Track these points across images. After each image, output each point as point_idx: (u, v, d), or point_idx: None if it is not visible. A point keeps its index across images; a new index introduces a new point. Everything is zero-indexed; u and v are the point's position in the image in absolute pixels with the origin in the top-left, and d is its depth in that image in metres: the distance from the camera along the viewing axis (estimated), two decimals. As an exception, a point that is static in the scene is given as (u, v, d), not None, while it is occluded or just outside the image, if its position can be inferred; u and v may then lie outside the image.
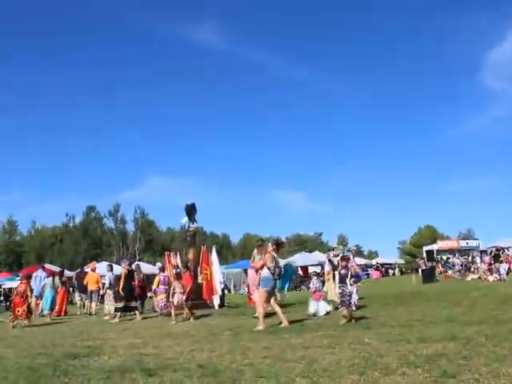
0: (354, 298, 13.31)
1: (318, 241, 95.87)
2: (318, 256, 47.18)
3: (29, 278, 19.14)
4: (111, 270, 21.00)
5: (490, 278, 29.39)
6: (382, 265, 62.88)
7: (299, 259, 44.45)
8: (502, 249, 40.33)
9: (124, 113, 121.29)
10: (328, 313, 13.73)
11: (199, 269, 20.20)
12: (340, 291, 12.01)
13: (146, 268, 30.45)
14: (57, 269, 30.37)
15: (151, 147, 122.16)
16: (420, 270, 37.26)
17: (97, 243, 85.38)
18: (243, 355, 7.65)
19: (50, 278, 21.53)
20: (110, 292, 19.42)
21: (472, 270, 36.81)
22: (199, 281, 19.81)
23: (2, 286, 30.74)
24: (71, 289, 28.02)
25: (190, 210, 21.56)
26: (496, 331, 8.75)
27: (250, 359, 7.28)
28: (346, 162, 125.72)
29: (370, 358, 6.92)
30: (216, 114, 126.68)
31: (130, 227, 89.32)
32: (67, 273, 33.14)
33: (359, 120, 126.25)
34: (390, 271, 61.45)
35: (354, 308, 12.23)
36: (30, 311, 16.76)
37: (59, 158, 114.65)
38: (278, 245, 12.90)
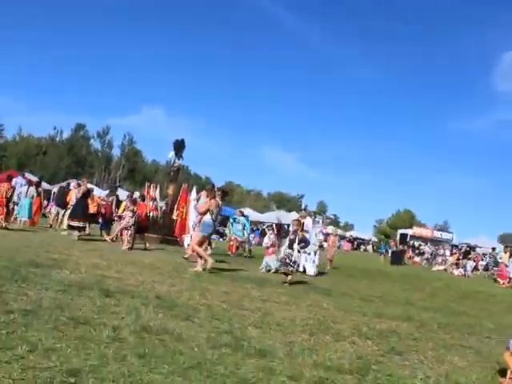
0: (303, 263, 13.68)
1: (299, 202, 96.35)
2: (295, 216, 47.48)
3: (10, 179, 19.04)
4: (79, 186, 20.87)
5: (455, 272, 29.89)
6: (356, 239, 63.68)
7: (276, 216, 44.56)
8: (473, 247, 40.98)
9: (137, 40, 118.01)
10: (277, 270, 13.57)
11: (176, 205, 20.17)
12: (285, 255, 11.84)
13: (123, 195, 30.34)
14: (35, 179, 30.15)
15: (155, 78, 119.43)
16: (390, 251, 37.74)
17: (80, 162, 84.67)
18: (202, 295, 7.71)
19: (26, 186, 21.36)
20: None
21: (440, 261, 37.41)
22: (174, 217, 19.83)
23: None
24: (46, 201, 27.93)
25: (179, 146, 21.41)
26: (449, 321, 8.97)
27: (207, 300, 7.36)
28: (341, 132, 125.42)
29: (324, 322, 7.04)
30: (227, 59, 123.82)
31: (116, 153, 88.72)
32: (45, 185, 32.95)
33: (365, 93, 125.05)
34: (363, 246, 62.32)
35: (295, 271, 11.84)
36: (8, 212, 16.76)
37: (61, 71, 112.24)
38: (224, 193, 13.13)
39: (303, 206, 18.68)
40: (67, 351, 3.95)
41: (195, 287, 8.55)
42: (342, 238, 60.01)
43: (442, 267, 33.96)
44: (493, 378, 5.18)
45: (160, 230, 19.71)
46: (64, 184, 28.48)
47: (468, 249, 38.61)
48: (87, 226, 17.78)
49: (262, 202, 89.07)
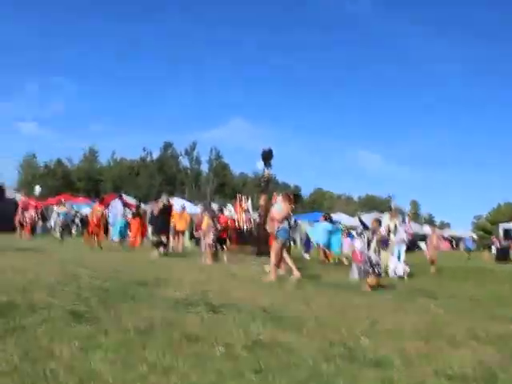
0: (383, 264, 13.15)
1: (390, 203, 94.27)
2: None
3: (103, 201, 20.10)
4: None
5: None
6: (449, 237, 61.09)
7: (370, 218, 43.77)
8: None
9: (217, 52, 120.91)
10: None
11: (269, 216, 20.26)
12: (365, 260, 11.26)
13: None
14: (132, 200, 31.43)
15: (241, 88, 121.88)
16: (494, 248, 35.90)
17: (171, 180, 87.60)
18: (307, 305, 7.66)
19: (122, 208, 22.34)
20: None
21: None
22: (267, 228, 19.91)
23: (80, 211, 32.19)
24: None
25: (267, 155, 21.49)
26: None
27: (312, 310, 7.28)
28: (430, 125, 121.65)
29: (435, 326, 6.75)
30: (312, 66, 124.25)
31: (204, 168, 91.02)
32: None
33: (442, 83, 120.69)
34: (462, 245, 59.71)
35: (378, 274, 11.13)
36: (105, 232, 17.70)
37: (141, 90, 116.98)
38: (296, 197, 12.92)
39: (392, 205, 18.03)
40: (184, 368, 4.01)
41: (298, 298, 8.49)
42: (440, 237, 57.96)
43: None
44: None
45: (255, 242, 19.86)
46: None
47: None
48: (169, 242, 17.95)
49: (353, 206, 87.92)
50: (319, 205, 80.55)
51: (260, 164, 21.99)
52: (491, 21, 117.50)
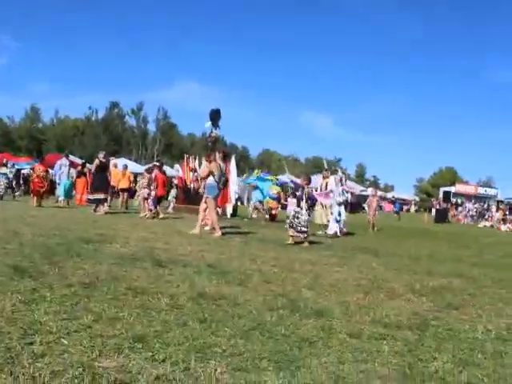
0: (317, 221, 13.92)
1: (337, 166, 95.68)
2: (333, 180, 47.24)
3: (43, 161, 19.72)
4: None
5: (503, 228, 29.34)
6: (396, 199, 62.77)
7: (314, 180, 44.25)
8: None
9: (166, 14, 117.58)
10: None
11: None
12: (293, 213, 11.59)
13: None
14: (78, 160, 30.80)
15: (188, 50, 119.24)
16: (434, 210, 37.27)
17: (117, 140, 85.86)
18: (252, 261, 7.80)
19: (67, 168, 21.89)
20: None
21: (486, 217, 36.74)
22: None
23: (22, 171, 31.20)
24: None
25: (215, 115, 21.17)
26: (503, 276, 8.81)
27: (258, 265, 7.43)
28: (379, 91, 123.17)
29: (376, 280, 7.03)
30: (261, 28, 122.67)
31: (152, 128, 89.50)
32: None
33: (400, 50, 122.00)
34: (405, 207, 61.62)
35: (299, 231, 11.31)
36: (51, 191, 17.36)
37: (87, 52, 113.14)
38: (225, 154, 13.06)
39: (326, 166, 18.11)
40: (130, 319, 4.04)
41: (244, 254, 8.62)
42: (383, 199, 59.50)
43: (488, 223, 33.40)
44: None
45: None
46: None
47: (515, 203, 37.70)
48: (108, 198, 17.79)
49: (300, 167, 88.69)
50: (267, 166, 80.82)
51: (208, 124, 21.77)
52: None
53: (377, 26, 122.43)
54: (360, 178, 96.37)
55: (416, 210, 58.85)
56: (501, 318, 5.40)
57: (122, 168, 21.26)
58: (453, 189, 49.53)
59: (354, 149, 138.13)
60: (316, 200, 12.48)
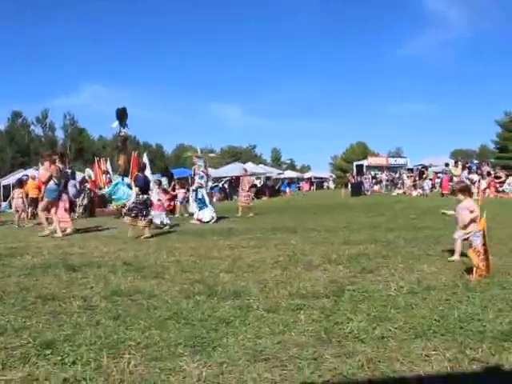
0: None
1: (252, 153, 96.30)
2: (251, 167, 47.59)
3: None
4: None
5: (414, 193, 30.64)
6: (316, 178, 64.04)
7: (232, 169, 44.37)
8: (426, 167, 41.87)
9: (65, 18, 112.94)
10: (166, 225, 13.40)
11: (129, 175, 19.85)
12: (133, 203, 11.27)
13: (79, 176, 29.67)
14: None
15: (88, 54, 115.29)
16: (349, 184, 38.35)
17: (24, 151, 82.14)
18: (170, 254, 7.69)
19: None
20: None
21: (398, 185, 38.21)
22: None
23: None
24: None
25: (122, 114, 20.80)
26: (414, 236, 9.20)
27: (176, 257, 7.34)
28: (283, 76, 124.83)
29: (293, 256, 7.13)
30: (161, 24, 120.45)
31: (60, 135, 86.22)
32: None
33: (300, 35, 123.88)
34: (325, 184, 62.96)
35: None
36: None
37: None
38: (62, 155, 13.02)
39: (199, 150, 17.84)
40: (39, 327, 3.87)
41: (162, 248, 8.48)
42: (301, 179, 60.62)
43: (401, 191, 34.80)
44: (461, 277, 5.34)
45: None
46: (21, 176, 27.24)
47: (422, 169, 39.38)
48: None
49: (216, 158, 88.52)
50: (183, 161, 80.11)
51: (115, 124, 21.27)
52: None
53: (273, 12, 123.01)
54: (276, 161, 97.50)
55: (335, 187, 60.30)
56: (412, 273, 5.64)
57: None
58: (365, 162, 51.06)
59: (267, 135, 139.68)
60: (143, 183, 11.81)
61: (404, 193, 33.29)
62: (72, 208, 18.70)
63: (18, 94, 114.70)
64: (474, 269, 5.23)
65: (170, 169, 21.87)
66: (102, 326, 3.84)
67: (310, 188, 55.78)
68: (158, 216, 13.40)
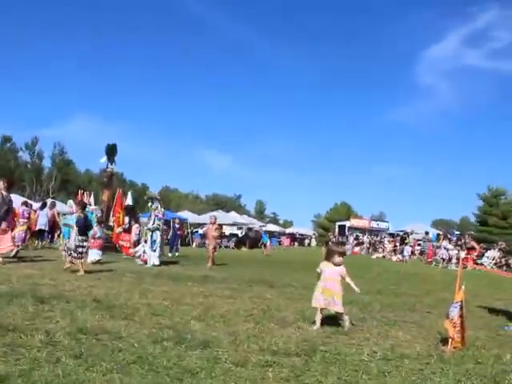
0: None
1: (237, 203, 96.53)
2: (234, 216, 47.45)
3: None
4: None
5: (394, 258, 30.77)
6: (299, 235, 63.94)
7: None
8: (408, 233, 42.14)
9: (60, 47, 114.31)
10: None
11: (112, 212, 19.69)
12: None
13: (60, 207, 29.33)
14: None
15: (83, 83, 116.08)
16: (330, 243, 38.34)
17: (8, 176, 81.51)
18: (142, 295, 7.50)
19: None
20: None
21: (379, 249, 38.31)
22: (110, 223, 19.31)
23: None
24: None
25: (111, 150, 20.83)
26: (391, 301, 9.12)
27: (148, 299, 7.15)
28: (277, 131, 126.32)
29: (268, 310, 6.99)
30: (159, 64, 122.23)
31: (47, 164, 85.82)
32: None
33: (293, 88, 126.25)
34: (306, 241, 62.83)
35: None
36: None
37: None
38: (10, 182, 12.82)
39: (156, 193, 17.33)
40: (-6, 359, 3.68)
41: (135, 289, 8.29)
42: (282, 234, 60.49)
43: (381, 255, 34.87)
44: (435, 347, 5.25)
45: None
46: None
47: (404, 235, 39.60)
48: None
49: (200, 204, 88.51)
50: (167, 203, 79.90)
51: (104, 159, 21.25)
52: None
53: (265, 62, 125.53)
54: (259, 214, 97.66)
55: (317, 244, 60.23)
56: (386, 339, 5.53)
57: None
58: (348, 223, 51.26)
59: (253, 186, 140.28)
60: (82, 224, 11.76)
61: (384, 257, 33.37)
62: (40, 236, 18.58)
63: (10, 120, 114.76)
64: (450, 340, 5.15)
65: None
66: (61, 363, 3.66)
67: (290, 243, 55.56)
68: (94, 253, 13.87)
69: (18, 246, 14.80)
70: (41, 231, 19.11)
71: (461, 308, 5.23)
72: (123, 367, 3.71)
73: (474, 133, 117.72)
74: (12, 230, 17.19)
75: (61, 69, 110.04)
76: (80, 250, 10.87)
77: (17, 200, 23.29)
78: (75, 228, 11.25)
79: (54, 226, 20.10)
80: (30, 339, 4.29)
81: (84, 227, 11.30)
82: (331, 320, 6.48)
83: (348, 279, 6.24)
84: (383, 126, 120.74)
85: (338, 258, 6.24)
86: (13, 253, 11.35)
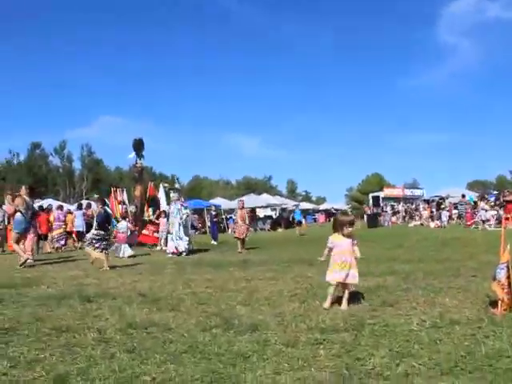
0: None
1: (268, 184, 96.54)
2: (266, 198, 47.48)
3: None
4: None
5: (432, 225, 30.30)
6: (333, 210, 63.57)
7: (247, 201, 44.37)
8: (444, 198, 41.49)
9: (80, 49, 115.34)
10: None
11: (146, 206, 19.90)
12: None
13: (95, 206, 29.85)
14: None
15: (104, 85, 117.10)
16: (365, 216, 38.06)
17: (42, 181, 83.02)
18: (185, 285, 7.59)
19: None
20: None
21: (415, 217, 37.86)
22: (145, 217, 19.53)
23: None
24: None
25: (138, 145, 21.00)
26: (434, 268, 9.01)
27: (192, 289, 7.24)
28: (301, 109, 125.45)
29: (311, 289, 6.99)
30: (174, 56, 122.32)
31: (77, 166, 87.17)
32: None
33: (315, 69, 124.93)
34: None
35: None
36: None
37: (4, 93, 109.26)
38: (31, 189, 13.36)
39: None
40: (52, 360, 3.79)
41: (177, 279, 8.41)
42: (317, 211, 60.35)
43: (418, 223, 34.44)
44: (485, 310, 5.17)
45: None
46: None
47: (440, 200, 39.03)
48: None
49: (231, 190, 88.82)
50: (198, 192, 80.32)
51: (132, 155, 21.46)
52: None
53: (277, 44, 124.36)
54: (291, 193, 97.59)
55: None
56: (434, 307, 5.47)
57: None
58: (381, 194, 50.72)
59: (283, 166, 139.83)
60: (104, 218, 11.89)
61: (421, 224, 32.95)
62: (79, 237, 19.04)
63: (37, 126, 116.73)
64: (499, 302, 5.07)
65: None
66: (116, 359, 3.74)
67: (326, 219, 55.38)
68: (120, 248, 14.43)
69: (58, 248, 15.17)
70: (79, 233, 19.45)
71: (508, 269, 5.14)
72: (176, 357, 3.77)
73: (496, 91, 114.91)
74: (48, 232, 17.78)
75: (75, 71, 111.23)
76: (96, 243, 11.07)
77: (54, 205, 23.87)
78: (95, 223, 11.54)
79: (91, 226, 20.44)
80: (83, 338, 4.40)
81: (104, 222, 11.50)
82: (375, 292, 6.46)
83: (356, 248, 6.05)
84: (406, 91, 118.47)
85: (348, 229, 6.03)
86: (21, 261, 11.57)
